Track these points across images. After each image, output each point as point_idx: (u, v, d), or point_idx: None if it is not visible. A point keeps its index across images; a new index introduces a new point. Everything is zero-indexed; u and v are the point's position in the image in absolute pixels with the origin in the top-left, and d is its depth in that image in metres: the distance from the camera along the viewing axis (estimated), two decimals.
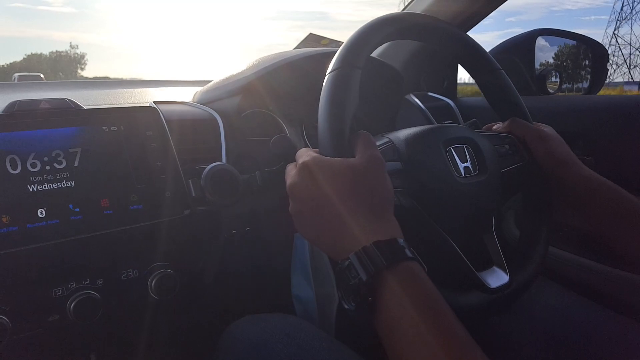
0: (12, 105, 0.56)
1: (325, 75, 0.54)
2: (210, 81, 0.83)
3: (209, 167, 0.60)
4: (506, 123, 0.67)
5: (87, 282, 0.54)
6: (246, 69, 0.76)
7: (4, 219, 0.49)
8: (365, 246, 0.39)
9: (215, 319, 0.60)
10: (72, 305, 0.52)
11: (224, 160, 0.65)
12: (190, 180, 0.59)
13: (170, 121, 0.64)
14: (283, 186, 0.51)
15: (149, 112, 0.62)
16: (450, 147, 0.60)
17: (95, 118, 0.58)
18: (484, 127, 0.71)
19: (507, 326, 0.69)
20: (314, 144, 0.78)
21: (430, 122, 0.96)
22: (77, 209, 0.53)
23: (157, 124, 0.62)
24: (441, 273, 0.59)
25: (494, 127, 0.70)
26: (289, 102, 0.80)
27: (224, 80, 0.79)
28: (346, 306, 0.40)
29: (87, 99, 0.61)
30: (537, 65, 1.07)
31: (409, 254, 0.40)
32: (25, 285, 0.51)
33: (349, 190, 0.42)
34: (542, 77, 1.07)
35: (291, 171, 0.47)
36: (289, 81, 0.79)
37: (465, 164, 0.61)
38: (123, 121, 0.59)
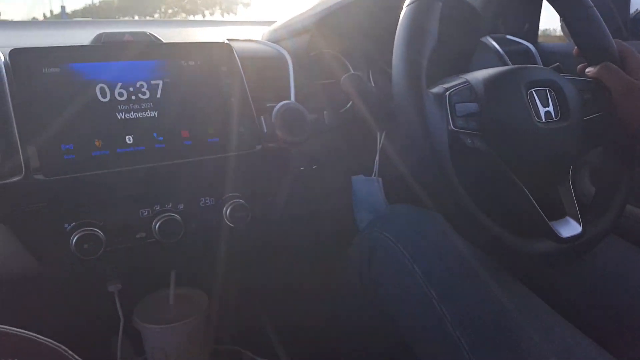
0: (98, 37, 0.59)
1: (401, 9, 0.52)
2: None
3: (279, 104, 0.61)
4: (596, 68, 0.62)
5: (170, 205, 0.59)
6: (316, 4, 0.75)
7: (97, 143, 0.54)
8: None
9: (284, 244, 0.64)
10: (157, 225, 0.57)
11: (292, 99, 0.66)
12: (262, 117, 0.61)
13: (243, 58, 0.65)
14: (350, 126, 0.51)
15: (223, 49, 0.64)
16: (532, 90, 0.57)
17: (174, 52, 0.60)
18: (578, 68, 0.66)
19: (569, 279, 0.68)
20: (379, 88, 0.77)
21: None
22: (161, 138, 0.57)
23: (231, 61, 0.63)
24: (511, 219, 0.58)
25: (586, 70, 0.65)
26: (358, 43, 0.78)
27: (293, 18, 0.78)
28: None
29: (163, 36, 0.63)
30: (631, 10, 0.96)
31: None
32: (116, 205, 0.56)
33: None
34: (637, 20, 0.97)
35: None
36: (360, 18, 0.76)
37: (547, 109, 0.58)
38: (200, 56, 0.61)
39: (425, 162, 0.51)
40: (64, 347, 0.33)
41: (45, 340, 0.33)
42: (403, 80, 0.50)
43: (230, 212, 0.60)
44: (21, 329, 0.33)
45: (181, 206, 0.59)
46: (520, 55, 0.91)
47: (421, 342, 0.55)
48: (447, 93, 0.54)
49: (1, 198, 0.50)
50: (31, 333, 0.33)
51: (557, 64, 0.73)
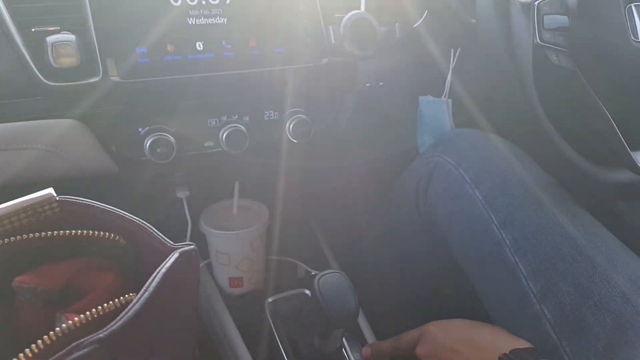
0: None
1: None
2: None
3: (348, 15, 0.58)
4: None
5: (236, 117, 0.60)
6: None
7: (169, 48, 0.54)
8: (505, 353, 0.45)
9: (344, 162, 0.64)
10: (224, 135, 0.58)
11: (362, 9, 0.63)
12: (330, 28, 0.59)
13: None
14: (421, 40, 0.48)
15: None
16: (632, 5, 0.51)
17: None
18: None
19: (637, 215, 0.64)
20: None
21: None
22: (229, 46, 0.56)
23: None
24: (590, 145, 0.54)
25: None
26: None
27: None
28: None
29: None
30: None
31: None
32: (187, 113, 0.58)
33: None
34: None
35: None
36: None
37: None
38: None
39: (506, 79, 0.48)
40: (149, 225, 0.36)
41: (133, 218, 0.36)
42: None
43: (293, 127, 0.60)
44: None
45: (247, 118, 0.60)
46: None
47: (477, 266, 0.55)
48: (537, 3, 0.49)
49: (81, 98, 0.52)
50: (116, 209, 0.36)
51: None
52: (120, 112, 0.55)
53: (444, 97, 0.64)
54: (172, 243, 0.34)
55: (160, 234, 0.36)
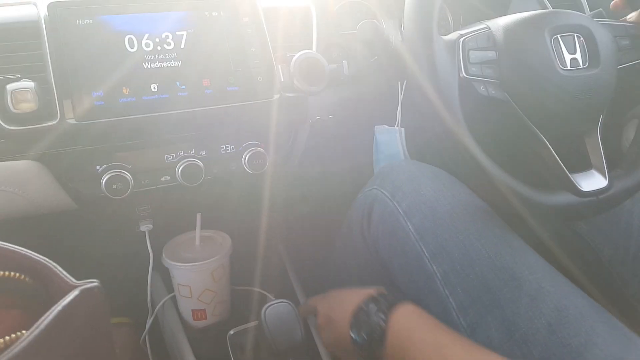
0: None
1: None
2: None
3: (298, 54, 0.62)
4: (638, 12, 0.58)
5: (193, 151, 0.62)
6: None
7: (125, 91, 0.57)
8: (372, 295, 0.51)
9: (302, 193, 0.66)
10: (180, 169, 0.60)
11: (314, 49, 0.66)
12: (280, 66, 0.62)
13: (266, 9, 0.66)
14: (369, 75, 0.51)
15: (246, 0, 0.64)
16: (558, 36, 0.54)
17: (198, 3, 0.62)
18: (611, 5, 0.61)
19: (598, 235, 0.65)
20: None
21: None
22: (184, 87, 0.59)
23: (254, 11, 0.64)
24: (528, 171, 0.56)
25: (627, 16, 0.60)
26: None
27: None
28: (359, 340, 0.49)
29: None
30: None
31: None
32: (144, 150, 0.60)
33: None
34: None
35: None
36: None
37: (573, 56, 0.55)
38: (223, 7, 0.63)
39: (435, 112, 0.50)
40: (54, 264, 0.35)
41: (37, 256, 0.35)
42: (413, 25, 0.50)
43: (248, 159, 0.63)
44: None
45: (203, 152, 0.62)
46: (564, 1, 0.85)
47: (416, 299, 0.55)
48: (462, 40, 0.52)
49: (39, 140, 0.55)
50: (22, 249, 0.36)
51: (600, 9, 0.68)
52: (78, 151, 0.57)
53: (396, 126, 0.67)
54: (74, 281, 0.34)
55: (63, 272, 0.35)
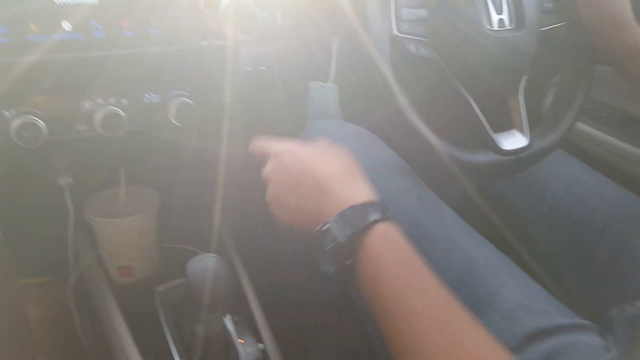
0: None
1: None
2: None
3: None
4: None
5: (113, 99, 0.58)
6: None
7: (32, 27, 0.52)
8: (341, 211, 0.42)
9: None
10: (99, 118, 0.56)
11: None
12: (208, 11, 0.59)
13: None
14: (304, 28, 0.49)
15: None
16: None
17: None
18: None
19: (516, 193, 0.69)
20: None
21: None
22: (100, 27, 0.55)
23: None
24: (454, 130, 0.58)
25: None
26: None
27: None
28: (325, 270, 0.43)
29: None
30: None
31: (382, 215, 0.42)
32: (58, 95, 0.56)
33: (317, 165, 0.46)
34: None
35: (266, 166, 0.51)
36: None
37: (501, 16, 0.56)
38: None
39: (367, 68, 0.50)
40: None
41: None
42: None
43: (175, 110, 0.60)
44: None
45: (125, 101, 0.58)
46: None
47: None
48: None
49: None
50: None
51: None
52: None
53: (329, 82, 0.66)
54: None
55: None
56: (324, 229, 0.42)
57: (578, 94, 0.62)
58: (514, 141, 0.59)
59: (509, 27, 0.56)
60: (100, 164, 0.65)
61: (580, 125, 0.82)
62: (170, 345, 0.62)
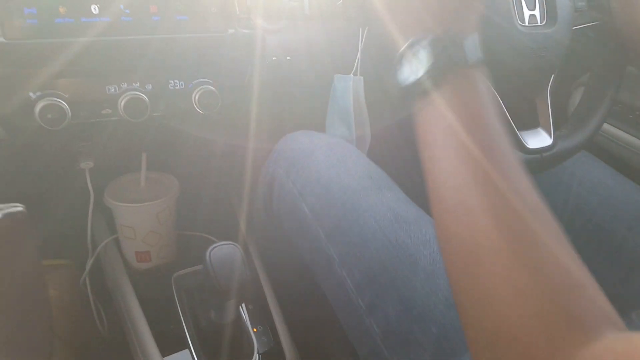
0: None
1: None
2: None
3: None
4: None
5: (137, 84, 0.58)
6: None
7: (61, 10, 0.52)
8: (446, 33, 0.33)
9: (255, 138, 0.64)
10: (123, 102, 0.56)
11: None
12: None
13: None
14: (332, 18, 0.48)
15: None
16: None
17: None
18: None
19: (538, 194, 0.68)
20: None
21: None
22: (128, 11, 0.54)
23: None
24: None
25: None
26: None
27: None
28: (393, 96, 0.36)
29: None
30: None
31: (479, 60, 0.34)
32: (83, 78, 0.56)
33: None
34: None
35: None
36: None
37: (532, 12, 0.55)
38: None
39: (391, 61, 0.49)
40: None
41: None
42: None
43: (199, 97, 0.60)
44: None
45: (149, 86, 0.58)
46: None
47: (320, 279, 0.54)
48: None
49: None
50: None
51: None
52: (8, 74, 0.52)
53: (352, 74, 0.65)
54: None
55: None
56: (419, 45, 0.33)
57: (606, 96, 0.61)
58: (539, 140, 0.58)
59: (541, 24, 0.55)
60: (122, 149, 0.66)
61: (606, 126, 0.81)
62: (186, 331, 0.62)
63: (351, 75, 0.65)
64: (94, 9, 0.53)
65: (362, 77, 0.66)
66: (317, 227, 0.52)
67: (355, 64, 0.66)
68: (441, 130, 0.32)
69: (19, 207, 0.32)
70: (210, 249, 0.52)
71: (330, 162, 0.55)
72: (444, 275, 0.44)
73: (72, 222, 0.69)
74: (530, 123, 0.59)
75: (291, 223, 0.56)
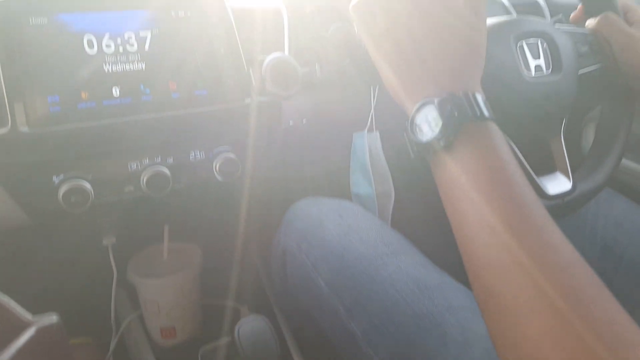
0: None
1: None
2: None
3: (269, 57, 0.60)
4: (596, 19, 0.60)
5: (159, 159, 0.58)
6: None
7: (83, 95, 0.53)
8: (452, 93, 0.34)
9: (277, 202, 0.64)
10: (145, 178, 0.57)
11: (286, 52, 0.65)
12: (251, 70, 0.60)
13: (236, 10, 0.64)
14: (343, 79, 0.49)
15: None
16: (523, 42, 0.55)
17: (163, 2, 0.59)
18: (571, 17, 0.64)
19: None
20: None
21: None
22: (148, 90, 0.56)
23: (222, 12, 0.62)
24: None
25: (586, 23, 0.62)
26: None
27: None
28: (412, 154, 0.37)
29: None
30: None
31: (490, 115, 0.35)
32: (104, 158, 0.56)
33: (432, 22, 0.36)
34: None
35: None
36: None
37: (537, 62, 0.56)
38: (190, 7, 0.60)
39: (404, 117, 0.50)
40: (6, 298, 0.31)
41: None
42: None
43: (220, 166, 0.60)
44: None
45: (170, 160, 0.59)
46: (526, 8, 0.88)
47: (345, 356, 0.51)
48: None
49: None
50: None
51: (560, 15, 0.70)
52: (31, 161, 0.53)
53: (367, 130, 0.66)
54: (29, 317, 0.29)
55: (16, 307, 0.30)
56: (427, 107, 0.34)
57: (619, 135, 0.62)
58: (558, 185, 0.58)
59: (547, 73, 0.56)
60: (144, 222, 0.65)
61: (624, 161, 0.81)
62: None
63: (365, 131, 0.66)
64: (115, 92, 0.55)
65: (377, 132, 0.67)
66: (336, 302, 0.49)
67: (369, 120, 0.67)
68: (464, 185, 0.32)
69: (52, 318, 0.30)
70: (238, 325, 0.50)
71: (341, 231, 0.53)
72: (476, 344, 0.42)
73: (95, 300, 0.68)
74: (547, 168, 0.59)
75: (308, 297, 0.54)
